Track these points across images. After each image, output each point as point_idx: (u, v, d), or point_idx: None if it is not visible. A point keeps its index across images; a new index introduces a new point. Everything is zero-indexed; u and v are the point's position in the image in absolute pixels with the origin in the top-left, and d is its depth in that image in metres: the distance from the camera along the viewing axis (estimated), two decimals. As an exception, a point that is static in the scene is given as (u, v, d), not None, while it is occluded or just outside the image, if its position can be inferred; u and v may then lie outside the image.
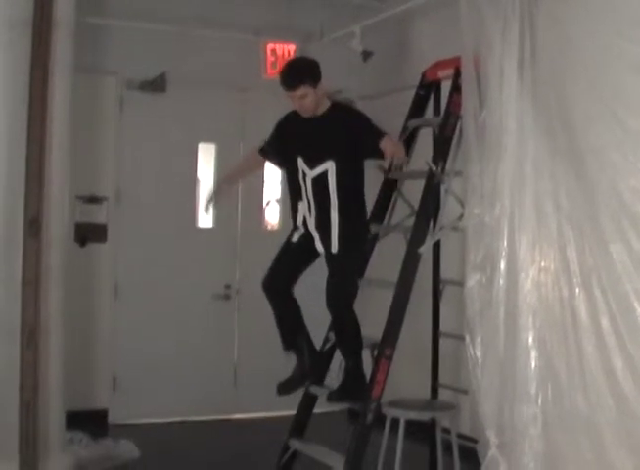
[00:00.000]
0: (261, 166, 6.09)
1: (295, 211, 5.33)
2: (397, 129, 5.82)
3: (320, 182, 5.14)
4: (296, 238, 5.32)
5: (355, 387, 5.25)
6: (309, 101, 5.14)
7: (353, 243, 5.22)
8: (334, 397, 5.31)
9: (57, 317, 5.37)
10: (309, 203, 5.20)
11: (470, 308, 4.77)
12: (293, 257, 5.35)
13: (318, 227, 5.20)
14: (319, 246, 5.22)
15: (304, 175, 5.20)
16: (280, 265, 5.33)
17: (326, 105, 5.24)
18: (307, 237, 5.26)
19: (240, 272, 7.52)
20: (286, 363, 5.30)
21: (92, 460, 5.88)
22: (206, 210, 5.70)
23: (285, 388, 5.29)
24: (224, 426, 7.18)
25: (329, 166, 5.11)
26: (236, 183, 6.28)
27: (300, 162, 5.21)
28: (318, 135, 5.19)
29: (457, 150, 5.30)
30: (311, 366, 5.34)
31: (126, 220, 7.12)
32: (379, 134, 5.07)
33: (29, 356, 5.09)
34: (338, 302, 5.20)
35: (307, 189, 5.19)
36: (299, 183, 5.23)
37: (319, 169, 5.14)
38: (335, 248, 5.14)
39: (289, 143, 5.34)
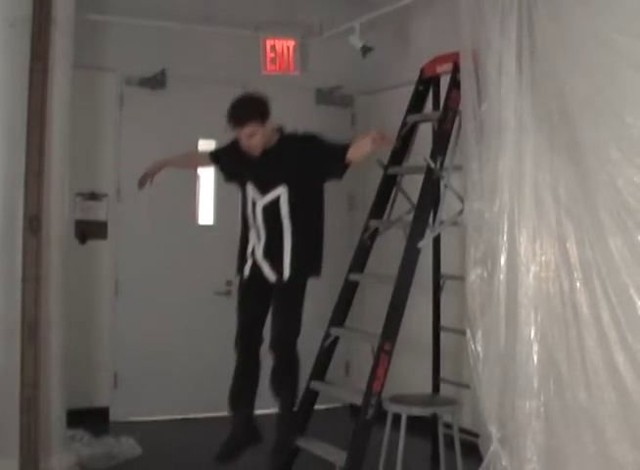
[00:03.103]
0: (203, 166, 6.18)
1: (245, 242, 5.28)
2: (397, 125, 5.82)
3: (271, 208, 5.09)
4: (247, 273, 5.25)
5: (289, 438, 5.32)
6: (257, 139, 5.08)
7: (306, 270, 5.18)
8: (275, 461, 5.31)
9: (57, 315, 5.37)
10: (258, 230, 5.16)
11: (471, 303, 4.78)
12: (254, 305, 5.29)
13: (267, 255, 5.14)
14: (269, 274, 5.14)
15: (254, 203, 5.15)
16: (246, 322, 5.30)
17: (275, 138, 5.19)
18: (257, 269, 5.21)
19: (241, 269, 7.51)
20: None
21: (93, 458, 5.87)
22: (141, 187, 5.61)
23: (223, 457, 5.27)
24: (226, 423, 7.17)
25: (281, 192, 5.07)
26: (175, 167, 6.06)
27: (250, 188, 5.18)
28: (269, 165, 5.13)
29: (456, 144, 5.30)
30: (245, 440, 5.30)
31: (127, 217, 7.12)
32: (340, 150, 5.03)
33: (30, 354, 5.09)
34: (284, 343, 5.18)
35: (256, 217, 5.14)
36: (248, 212, 5.20)
37: (270, 196, 5.09)
38: (287, 275, 5.08)
39: (239, 167, 5.31)
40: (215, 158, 5.58)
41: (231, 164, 5.42)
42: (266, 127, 5.10)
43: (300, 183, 5.09)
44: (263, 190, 5.12)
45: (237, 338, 5.31)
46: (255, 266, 5.20)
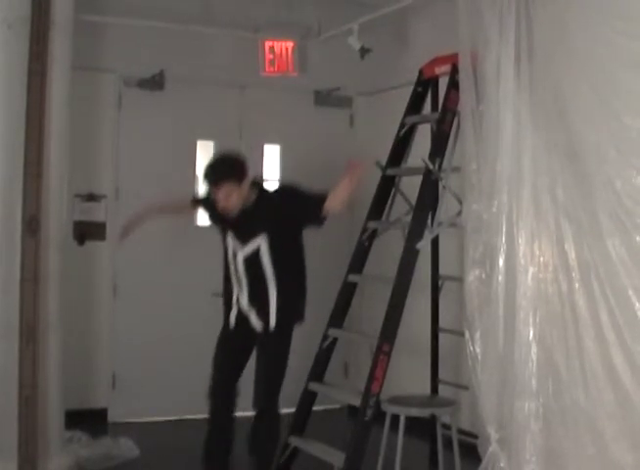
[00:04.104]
0: (190, 214, 6.33)
1: (228, 289, 5.27)
2: (395, 126, 5.82)
3: (253, 257, 5.08)
4: (232, 322, 5.24)
5: None
6: (234, 199, 5.06)
7: (292, 318, 5.18)
8: None
9: (56, 316, 5.38)
10: (240, 280, 5.15)
11: (469, 304, 4.77)
12: (235, 356, 5.31)
13: (252, 302, 5.12)
14: (256, 323, 5.13)
15: (235, 253, 5.15)
16: (223, 374, 5.32)
17: (253, 197, 5.17)
18: (242, 317, 5.19)
19: (239, 270, 7.50)
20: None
21: (91, 459, 5.87)
22: (124, 238, 5.67)
23: None
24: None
25: (261, 241, 5.06)
26: (158, 217, 6.04)
27: (230, 239, 5.17)
28: (247, 222, 5.12)
29: (455, 146, 5.30)
30: None
31: (125, 218, 7.09)
32: (319, 200, 5.01)
33: (28, 355, 5.09)
34: (267, 398, 5.19)
35: (237, 266, 5.14)
36: (229, 261, 5.20)
37: (251, 246, 5.08)
38: (273, 324, 5.07)
39: (219, 222, 5.32)
40: (198, 203, 5.61)
41: (211, 213, 5.44)
42: (242, 187, 5.07)
43: (280, 234, 5.09)
44: (243, 241, 5.12)
45: (211, 389, 5.33)
46: (241, 315, 5.20)
